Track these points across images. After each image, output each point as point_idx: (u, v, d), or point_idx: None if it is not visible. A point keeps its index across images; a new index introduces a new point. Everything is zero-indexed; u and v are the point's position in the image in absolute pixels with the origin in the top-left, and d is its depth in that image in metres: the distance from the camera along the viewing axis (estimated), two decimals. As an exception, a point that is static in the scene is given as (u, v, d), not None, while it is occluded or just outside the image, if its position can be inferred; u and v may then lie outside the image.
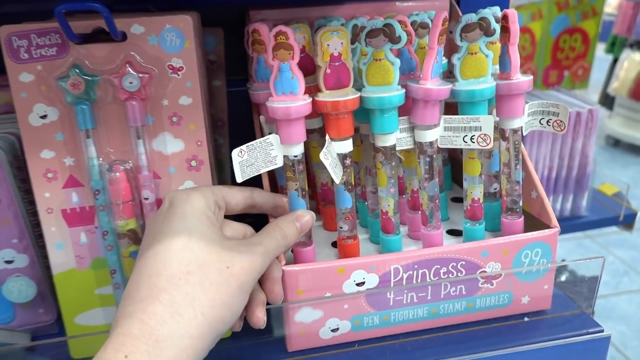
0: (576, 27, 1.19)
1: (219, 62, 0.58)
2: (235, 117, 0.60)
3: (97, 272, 0.42)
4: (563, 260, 0.43)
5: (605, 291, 1.57)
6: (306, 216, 0.39)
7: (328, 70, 0.38)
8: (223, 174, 0.63)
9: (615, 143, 2.53)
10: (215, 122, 0.60)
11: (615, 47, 2.49)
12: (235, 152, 0.37)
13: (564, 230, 0.79)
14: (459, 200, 0.54)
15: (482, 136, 0.39)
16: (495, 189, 0.47)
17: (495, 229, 0.47)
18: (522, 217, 0.44)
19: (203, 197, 0.35)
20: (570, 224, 0.79)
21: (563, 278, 0.93)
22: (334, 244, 0.47)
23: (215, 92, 0.59)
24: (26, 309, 0.46)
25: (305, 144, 0.47)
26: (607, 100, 2.55)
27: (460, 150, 0.44)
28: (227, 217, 0.39)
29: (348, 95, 0.38)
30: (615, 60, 2.50)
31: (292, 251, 0.43)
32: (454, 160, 0.58)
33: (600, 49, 1.66)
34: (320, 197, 0.50)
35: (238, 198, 0.38)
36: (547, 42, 1.19)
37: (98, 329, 0.43)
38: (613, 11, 2.68)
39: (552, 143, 0.75)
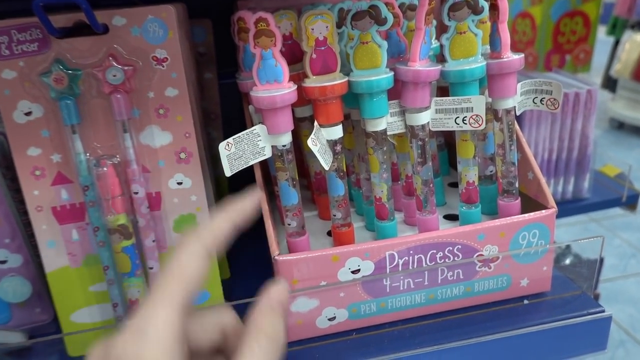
0: (577, 10, 1.17)
1: (209, 54, 0.58)
2: (228, 110, 0.60)
3: (91, 268, 0.41)
4: (561, 242, 0.42)
5: (612, 274, 1.56)
6: (279, 287, 0.27)
7: (314, 55, 0.37)
8: (217, 168, 0.62)
9: (619, 126, 2.51)
10: (208, 115, 0.60)
11: (617, 29, 2.46)
12: (222, 146, 0.37)
13: (566, 213, 0.78)
14: (456, 185, 0.54)
15: (474, 117, 0.39)
16: (491, 171, 0.46)
17: (492, 213, 0.46)
18: (519, 198, 0.43)
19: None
20: (573, 206, 0.78)
21: (567, 261, 0.93)
22: (329, 233, 0.47)
23: (206, 85, 0.59)
24: (22, 308, 0.46)
25: (297, 132, 0.47)
26: (610, 83, 2.52)
27: (455, 134, 0.43)
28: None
29: (335, 80, 0.37)
30: (616, 42, 2.48)
31: (286, 242, 0.42)
32: (450, 146, 0.57)
33: (601, 32, 1.64)
34: (314, 186, 0.49)
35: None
36: (547, 26, 1.18)
37: (94, 327, 0.43)
38: (613, -8, 2.64)
39: (551, 125, 0.74)
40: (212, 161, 0.59)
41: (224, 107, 0.60)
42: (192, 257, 0.24)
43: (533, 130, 0.73)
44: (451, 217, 0.47)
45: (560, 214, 0.43)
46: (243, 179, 0.60)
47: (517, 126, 0.43)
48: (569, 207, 0.77)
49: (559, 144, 0.75)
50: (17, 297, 0.45)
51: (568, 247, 0.94)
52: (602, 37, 2.03)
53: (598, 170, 0.86)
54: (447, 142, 0.57)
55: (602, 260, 1.07)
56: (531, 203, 0.44)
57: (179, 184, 0.41)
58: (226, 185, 0.63)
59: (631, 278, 1.56)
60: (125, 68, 0.37)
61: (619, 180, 0.82)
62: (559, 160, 0.76)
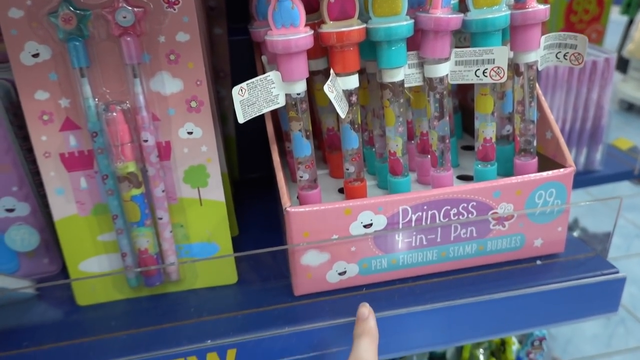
0: (591, -12, 1.14)
1: (219, 8, 0.56)
2: (238, 68, 0.58)
3: (99, 218, 0.41)
4: (578, 202, 0.42)
5: (616, 254, 1.56)
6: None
7: (332, 0, 0.36)
8: (226, 127, 0.61)
9: (629, 107, 2.47)
10: (217, 73, 0.58)
11: (631, 7, 2.39)
12: (235, 90, 0.36)
13: (577, 185, 0.77)
14: (469, 148, 0.53)
15: (495, 69, 0.37)
16: (508, 131, 0.45)
17: (508, 174, 0.45)
18: (536, 158, 0.42)
19: None
20: (584, 178, 0.77)
21: (575, 234, 0.92)
22: (341, 191, 0.46)
23: (216, 41, 0.57)
24: (31, 258, 0.46)
25: (310, 87, 0.46)
26: (622, 64, 2.47)
27: (472, 97, 0.42)
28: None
29: (353, 26, 0.36)
30: (630, 22, 2.42)
31: (297, 196, 0.41)
32: (464, 109, 0.56)
33: (614, 11, 1.60)
34: (326, 143, 0.48)
35: None
36: (560, 5, 1.15)
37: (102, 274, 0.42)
38: (629, -30, 2.57)
39: (566, 94, 0.72)
40: (221, 120, 0.58)
41: (233, 65, 0.59)
42: None
43: (547, 99, 0.72)
44: (464, 178, 0.47)
45: (571, 186, 0.42)
46: (251, 140, 0.59)
47: (537, 84, 0.42)
48: (580, 178, 0.76)
49: (572, 114, 0.74)
50: (24, 246, 0.44)
51: (575, 221, 0.93)
52: (616, 17, 1.99)
53: (610, 143, 0.84)
54: (462, 105, 0.56)
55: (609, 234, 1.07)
56: (548, 164, 0.43)
57: (189, 133, 0.40)
58: (234, 145, 0.62)
59: (634, 258, 1.56)
60: (136, 10, 0.36)
61: (631, 153, 0.81)
62: (572, 131, 0.75)
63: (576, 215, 1.06)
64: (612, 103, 2.51)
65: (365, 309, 0.35)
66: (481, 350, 0.60)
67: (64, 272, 0.47)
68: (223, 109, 0.59)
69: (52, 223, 0.42)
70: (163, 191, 0.40)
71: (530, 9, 0.37)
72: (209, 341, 0.37)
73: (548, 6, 0.37)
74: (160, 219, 0.41)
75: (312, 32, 0.36)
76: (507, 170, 0.45)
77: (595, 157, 0.77)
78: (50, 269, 0.47)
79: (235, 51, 0.58)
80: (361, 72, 0.44)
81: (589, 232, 0.91)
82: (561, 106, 0.73)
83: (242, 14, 0.56)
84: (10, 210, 0.43)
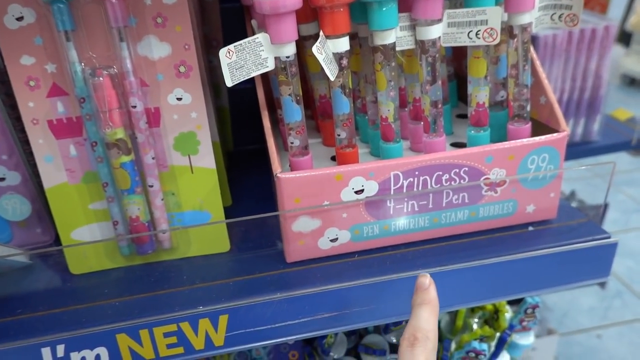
0: (594, -41, 1.11)
1: (209, -26, 0.55)
2: (231, 37, 0.57)
3: (89, 185, 0.41)
4: (571, 167, 0.41)
5: (614, 228, 1.57)
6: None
7: (321, -42, 0.35)
8: (220, 99, 0.60)
9: (631, 82, 2.45)
10: (209, 42, 0.57)
11: (635, -21, 2.35)
12: (222, 52, 0.35)
13: (574, 155, 0.77)
14: (464, 116, 0.52)
15: (488, 31, 0.37)
16: (502, 97, 0.44)
17: (502, 140, 0.44)
18: (530, 123, 0.42)
19: None
20: (581, 149, 0.76)
21: (573, 204, 0.92)
22: (333, 159, 0.46)
23: (207, 8, 0.56)
24: (23, 228, 0.46)
25: (301, 53, 0.45)
26: (624, 38, 2.44)
27: (467, 64, 0.41)
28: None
29: (343, -14, 0.35)
30: (634, -7, 2.38)
31: (289, 164, 0.41)
32: (459, 77, 0.55)
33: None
34: (319, 110, 0.48)
35: None
36: (563, -24, 1.12)
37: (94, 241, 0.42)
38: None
39: (564, 63, 0.71)
40: (213, 90, 0.58)
41: (226, 34, 0.58)
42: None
43: (545, 68, 0.71)
44: (458, 145, 0.46)
45: (568, 156, 0.42)
46: (245, 111, 0.59)
47: (532, 47, 0.41)
48: (577, 149, 0.76)
49: (571, 84, 0.73)
50: (16, 215, 0.44)
51: (573, 193, 0.93)
52: (620, -13, 1.95)
53: (608, 114, 0.84)
54: (457, 73, 0.55)
55: (606, 205, 1.07)
56: (542, 129, 0.43)
57: (179, 99, 0.39)
58: (228, 116, 0.62)
59: (632, 232, 1.57)
60: (120, -30, 0.35)
61: (629, 124, 0.80)
62: (570, 101, 0.74)
63: (574, 188, 1.05)
64: (614, 77, 2.49)
65: (426, 279, 0.33)
66: (475, 319, 0.61)
67: (57, 242, 0.47)
68: (216, 79, 0.59)
69: (44, 193, 0.42)
70: (153, 158, 0.40)
71: (525, -32, 0.36)
72: (201, 307, 0.37)
73: (543, -35, 0.37)
74: (151, 186, 0.41)
75: (301, -8, 0.35)
76: (501, 137, 0.44)
77: (593, 128, 0.77)
78: (44, 239, 0.47)
79: (228, 19, 0.57)
80: (353, 37, 0.43)
81: (586, 204, 0.91)
82: (559, 76, 0.72)
83: (233, -20, 0.54)
84: (1, 180, 0.43)
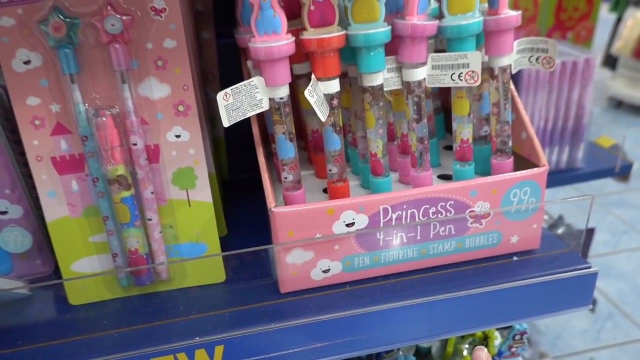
0: (580, -14, 1.16)
1: (207, 13, 0.57)
2: (227, 71, 0.60)
3: (90, 219, 0.42)
4: (551, 200, 0.43)
5: (604, 249, 1.59)
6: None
7: (312, 7, 0.37)
8: (215, 129, 0.62)
9: (618, 104, 2.50)
10: (206, 76, 0.60)
11: (619, 5, 2.42)
12: (220, 96, 0.37)
13: (559, 182, 0.79)
14: (451, 148, 0.54)
15: (469, 73, 0.39)
16: (485, 132, 0.46)
17: (486, 173, 0.47)
18: (512, 157, 0.44)
19: None
20: (566, 176, 0.79)
21: (560, 231, 0.94)
22: (325, 191, 0.48)
23: (204, 44, 0.59)
24: (24, 260, 0.47)
25: (294, 90, 0.47)
26: (610, 61, 2.50)
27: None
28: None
29: (333, 33, 0.37)
30: (618, 19, 2.45)
31: (283, 197, 0.43)
32: (446, 110, 0.57)
33: (603, 9, 1.62)
34: (311, 144, 0.50)
35: None
36: (550, 2, 1.16)
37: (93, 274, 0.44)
38: (617, -32, 2.60)
39: (547, 94, 0.74)
40: (210, 122, 0.60)
41: (221, 68, 0.60)
42: None
43: (530, 98, 0.74)
44: (445, 177, 0.48)
45: (553, 184, 0.44)
46: (240, 141, 0.61)
47: (512, 86, 0.43)
48: (562, 176, 0.78)
49: (554, 113, 0.76)
50: (17, 247, 0.46)
51: (560, 217, 0.95)
52: (605, 14, 2.01)
53: (592, 141, 0.86)
54: (444, 105, 0.57)
55: (592, 229, 1.09)
56: (524, 163, 0.45)
57: (177, 136, 0.41)
58: (224, 146, 0.64)
59: (622, 253, 1.59)
60: (124, 18, 0.37)
61: (613, 151, 0.83)
62: (554, 130, 0.77)
63: (561, 211, 1.08)
64: (601, 100, 2.54)
65: (482, 353, 0.35)
66: (465, 345, 0.62)
67: (56, 272, 0.48)
68: (212, 111, 0.61)
69: (45, 225, 0.44)
70: (152, 193, 0.42)
71: (502, 15, 0.39)
72: (197, 338, 0.39)
73: (520, 12, 0.39)
74: (150, 220, 0.42)
75: (294, 38, 0.37)
76: (485, 169, 0.47)
77: (578, 155, 0.79)
78: (43, 270, 0.48)
79: (223, 54, 0.59)
80: (344, 76, 0.46)
81: (573, 228, 0.93)
82: (543, 105, 0.75)
83: (229, 18, 0.57)
84: (4, 213, 0.45)
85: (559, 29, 1.19)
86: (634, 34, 2.30)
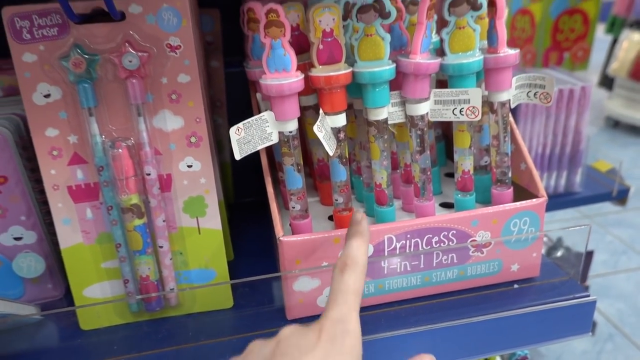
0: (576, 8, 1.18)
1: (216, 43, 0.59)
2: (234, 98, 0.62)
3: (103, 246, 0.43)
4: (550, 230, 0.45)
5: (603, 269, 1.59)
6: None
7: (321, 46, 0.39)
8: (222, 154, 0.64)
9: (615, 124, 2.53)
10: (214, 102, 0.62)
11: (615, 27, 2.47)
12: (232, 130, 0.39)
13: (558, 206, 0.81)
14: (452, 175, 0.56)
15: (470, 108, 0.41)
16: (485, 162, 0.48)
17: (486, 201, 0.48)
18: (512, 188, 0.45)
19: None
20: (565, 200, 0.80)
21: (559, 254, 0.95)
22: (331, 218, 0.49)
23: (213, 73, 0.61)
24: (35, 284, 0.48)
25: (301, 121, 0.49)
26: (607, 81, 2.54)
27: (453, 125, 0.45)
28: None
29: (340, 70, 0.39)
30: (614, 41, 2.50)
31: (290, 224, 0.44)
32: (447, 138, 0.59)
33: (599, 30, 1.65)
34: (316, 173, 0.51)
35: None
36: (546, 23, 1.19)
37: (106, 301, 0.45)
38: (612, -9, 2.66)
39: (545, 120, 0.76)
40: (217, 147, 0.61)
41: (229, 95, 0.62)
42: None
43: (528, 125, 0.76)
44: (447, 205, 0.50)
45: (552, 207, 0.45)
46: (246, 166, 0.62)
47: (511, 119, 0.45)
48: (560, 200, 0.80)
49: (552, 139, 0.78)
50: (30, 272, 0.47)
51: (559, 240, 0.96)
52: (601, 35, 2.05)
53: (590, 165, 0.88)
54: (445, 134, 0.59)
55: (591, 253, 1.10)
56: (523, 193, 0.47)
57: (189, 166, 0.42)
58: (230, 170, 0.65)
59: (621, 274, 1.59)
60: (141, 54, 0.39)
61: (610, 176, 0.85)
62: (552, 155, 0.78)
63: (560, 234, 1.09)
64: (598, 120, 2.56)
65: (359, 214, 0.34)
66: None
67: (66, 296, 0.49)
68: (219, 137, 0.62)
69: (57, 250, 0.45)
70: (164, 221, 0.43)
71: (501, 54, 0.41)
72: (207, 363, 0.40)
73: (518, 51, 0.41)
74: (161, 247, 0.43)
75: (303, 76, 0.39)
76: (485, 198, 0.48)
77: (575, 180, 0.81)
78: (54, 294, 0.49)
79: (231, 82, 0.61)
80: (349, 107, 0.47)
81: (572, 250, 0.94)
82: (541, 132, 0.77)
83: (237, 49, 0.59)
84: (18, 239, 0.46)
85: (555, 50, 1.21)
86: (630, 56, 2.34)
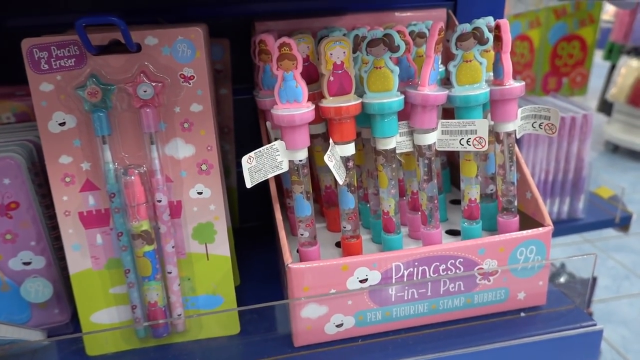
0: (574, 34, 1.20)
1: (225, 71, 0.61)
2: (241, 125, 0.63)
3: (112, 272, 0.43)
4: (556, 259, 0.45)
5: (606, 295, 1.59)
6: None
7: (331, 78, 0.40)
8: (229, 179, 0.65)
9: (614, 149, 2.55)
10: (222, 129, 0.62)
11: (613, 53, 2.52)
12: (244, 159, 0.39)
13: (561, 232, 0.81)
14: (457, 202, 0.56)
15: (477, 139, 0.41)
16: (491, 190, 0.49)
17: (492, 229, 0.49)
18: (518, 216, 0.46)
19: None
20: (567, 226, 0.80)
21: (562, 280, 0.95)
22: (338, 244, 0.49)
23: (221, 100, 0.62)
24: (42, 309, 0.48)
25: (310, 148, 0.49)
26: (606, 107, 2.57)
27: (458, 154, 0.46)
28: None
29: (350, 101, 0.40)
30: (612, 67, 2.53)
31: (297, 251, 0.44)
32: (452, 165, 0.60)
33: (598, 56, 1.67)
34: (324, 199, 0.52)
35: None
36: (545, 49, 1.21)
37: (112, 327, 0.45)
38: (610, 18, 2.71)
39: (548, 147, 0.77)
40: (224, 173, 0.62)
41: (237, 122, 0.63)
42: None
43: (531, 152, 0.76)
44: (453, 233, 0.50)
45: (555, 233, 0.45)
46: (251, 190, 0.63)
47: (517, 148, 0.46)
48: (563, 226, 0.80)
49: (555, 166, 0.78)
50: (38, 297, 0.47)
51: (563, 266, 0.96)
52: (599, 61, 2.08)
53: (592, 191, 0.89)
54: (450, 161, 0.60)
55: (595, 279, 1.10)
56: (529, 221, 0.47)
57: (199, 193, 0.43)
58: (236, 195, 0.66)
59: (624, 299, 1.58)
60: (155, 84, 0.40)
61: (612, 202, 0.85)
62: (555, 182, 0.79)
63: (563, 260, 1.09)
64: (597, 145, 2.58)
65: None
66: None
67: (73, 321, 0.49)
68: (226, 162, 0.63)
69: (65, 275, 0.45)
70: (173, 247, 0.43)
71: (507, 86, 0.42)
72: (214, 391, 0.39)
73: (523, 83, 0.42)
74: (170, 273, 0.44)
75: (314, 107, 0.40)
76: (491, 225, 0.48)
77: (578, 206, 0.81)
78: (60, 319, 0.49)
79: (239, 109, 0.62)
80: (357, 136, 0.48)
81: (575, 277, 0.94)
82: (544, 159, 0.77)
83: (245, 76, 0.60)
84: (27, 264, 0.46)
85: (554, 75, 1.23)
86: (628, 82, 2.37)
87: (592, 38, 1.22)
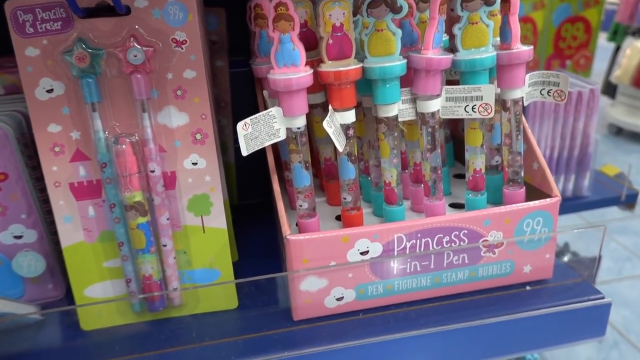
0: (578, 15, 1.18)
1: (221, 43, 0.59)
2: (239, 98, 0.61)
3: (105, 244, 0.42)
4: (564, 230, 0.43)
5: (608, 277, 1.58)
6: None
7: (330, 41, 0.38)
8: (226, 155, 0.63)
9: (618, 131, 2.53)
10: (218, 103, 0.61)
11: (618, 35, 2.48)
12: (239, 126, 0.38)
13: (565, 210, 0.79)
14: (461, 176, 0.55)
15: (483, 105, 0.40)
16: (497, 161, 0.47)
17: (498, 202, 0.47)
18: (524, 187, 0.44)
19: None
20: (572, 204, 0.79)
21: (565, 259, 0.94)
22: (338, 218, 0.48)
23: (217, 72, 0.60)
24: (35, 284, 0.47)
25: (309, 119, 0.48)
26: (610, 89, 2.54)
27: (462, 127, 0.44)
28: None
29: (350, 66, 0.38)
30: (617, 49, 2.50)
31: (296, 224, 0.43)
32: (455, 138, 0.58)
33: (602, 38, 1.65)
34: (323, 172, 0.50)
35: None
36: (549, 31, 1.19)
37: (107, 301, 0.43)
38: (615, 0, 2.66)
39: (553, 123, 0.75)
40: (221, 148, 0.61)
41: (234, 96, 0.61)
42: None
43: (536, 128, 0.75)
44: (457, 206, 0.49)
45: (560, 211, 0.44)
46: (249, 167, 0.61)
47: (523, 117, 0.44)
48: (568, 204, 0.79)
49: (560, 142, 0.77)
50: (31, 272, 0.46)
51: (566, 245, 0.95)
52: (603, 43, 2.05)
53: (598, 169, 0.87)
54: (453, 134, 0.58)
55: (600, 258, 1.09)
56: (535, 193, 0.46)
57: (194, 164, 0.42)
58: (234, 171, 0.64)
59: (625, 281, 1.58)
60: (146, 49, 0.38)
61: (618, 180, 0.84)
62: (560, 158, 0.77)
63: (567, 239, 1.08)
64: (601, 127, 2.56)
65: None
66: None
67: (67, 297, 0.48)
68: (223, 138, 0.61)
69: (57, 249, 0.44)
70: (168, 219, 0.42)
71: (515, 50, 0.40)
72: (211, 366, 0.38)
73: (531, 47, 0.40)
74: (165, 245, 0.42)
75: (312, 70, 0.38)
76: (497, 198, 0.47)
77: (583, 184, 0.80)
78: (54, 294, 0.48)
79: (236, 82, 0.60)
80: (357, 106, 0.47)
81: (579, 256, 0.93)
82: (549, 135, 0.76)
83: (242, 48, 0.58)
84: (19, 237, 0.45)
85: (558, 57, 1.21)
86: (633, 63, 2.34)
87: (597, 20, 1.19)
